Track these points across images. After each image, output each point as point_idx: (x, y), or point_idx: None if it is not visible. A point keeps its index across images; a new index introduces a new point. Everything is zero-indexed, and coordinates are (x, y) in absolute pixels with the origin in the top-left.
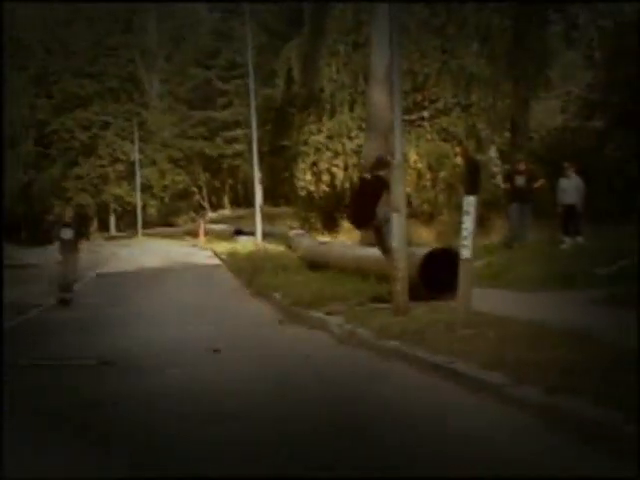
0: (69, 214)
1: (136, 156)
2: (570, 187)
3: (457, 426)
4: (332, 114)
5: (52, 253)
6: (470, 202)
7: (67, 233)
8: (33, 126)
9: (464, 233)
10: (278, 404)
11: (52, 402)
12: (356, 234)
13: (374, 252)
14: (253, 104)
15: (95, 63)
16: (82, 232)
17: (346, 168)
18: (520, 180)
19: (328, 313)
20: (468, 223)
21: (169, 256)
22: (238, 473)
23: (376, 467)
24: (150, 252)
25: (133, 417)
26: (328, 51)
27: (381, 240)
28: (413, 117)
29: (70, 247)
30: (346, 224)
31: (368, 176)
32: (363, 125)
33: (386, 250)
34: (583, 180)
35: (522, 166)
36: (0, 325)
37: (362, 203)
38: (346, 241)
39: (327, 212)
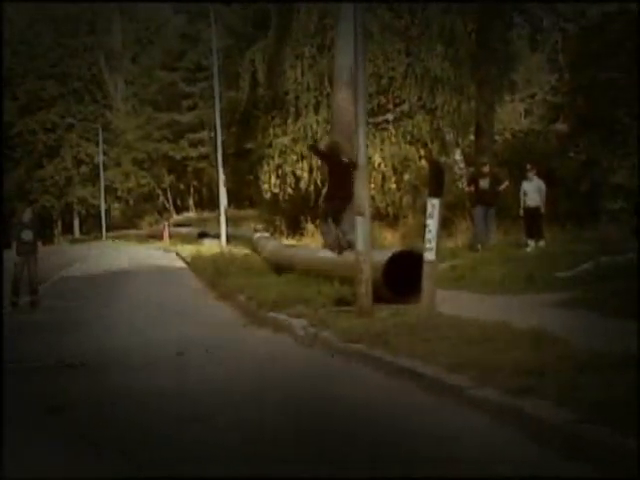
0: (28, 215)
1: (100, 158)
2: (532, 190)
3: (420, 428)
4: (297, 117)
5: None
6: (434, 205)
7: (27, 234)
8: None
9: (428, 235)
10: (243, 406)
11: (13, 405)
12: (320, 237)
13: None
14: (218, 107)
15: (59, 64)
16: (41, 233)
17: (311, 171)
18: (484, 183)
19: (293, 315)
20: (432, 225)
21: (133, 258)
22: (207, 475)
23: (341, 467)
24: (114, 254)
25: (96, 419)
26: (293, 54)
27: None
28: (378, 120)
29: (30, 249)
30: (310, 227)
31: (346, 160)
32: (328, 128)
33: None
34: (545, 182)
35: (486, 169)
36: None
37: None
38: (310, 244)
39: (292, 215)
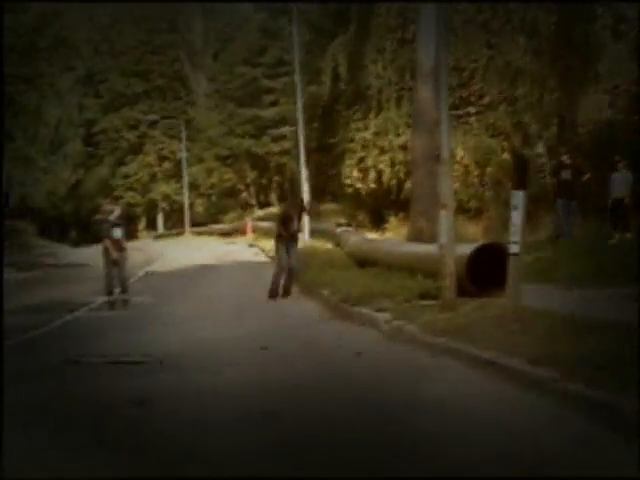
0: (116, 212)
1: (183, 154)
2: (620, 181)
3: (510, 422)
4: (379, 111)
5: (101, 253)
6: (519, 197)
7: (117, 232)
8: (81, 126)
9: (513, 228)
10: (330, 401)
11: (99, 399)
12: (403, 231)
13: (422, 249)
14: (300, 101)
15: (142, 62)
16: (128, 230)
17: (393, 165)
18: (566, 174)
19: (377, 310)
20: (517, 218)
21: (216, 254)
22: (288, 472)
23: (431, 460)
24: (197, 250)
25: (184, 415)
26: (374, 48)
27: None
28: (460, 113)
29: (120, 246)
30: (394, 220)
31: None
32: (410, 121)
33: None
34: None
35: (567, 160)
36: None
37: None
38: (393, 238)
39: (374, 209)
